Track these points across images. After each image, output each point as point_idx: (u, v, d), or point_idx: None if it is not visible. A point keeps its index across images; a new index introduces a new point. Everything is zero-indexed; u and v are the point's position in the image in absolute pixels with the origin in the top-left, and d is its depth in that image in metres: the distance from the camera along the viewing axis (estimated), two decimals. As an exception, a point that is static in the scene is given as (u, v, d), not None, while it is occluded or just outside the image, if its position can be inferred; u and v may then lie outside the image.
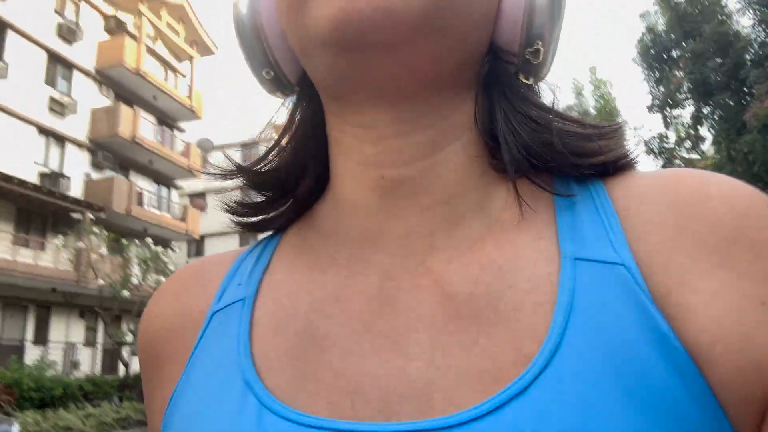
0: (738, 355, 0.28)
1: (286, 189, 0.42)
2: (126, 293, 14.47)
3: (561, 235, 0.33)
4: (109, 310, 14.82)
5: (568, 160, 0.35)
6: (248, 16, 0.37)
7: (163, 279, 14.77)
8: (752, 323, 0.28)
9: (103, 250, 14.92)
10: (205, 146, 23.47)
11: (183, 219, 21.33)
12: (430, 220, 0.35)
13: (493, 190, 0.36)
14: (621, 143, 0.36)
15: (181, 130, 22.94)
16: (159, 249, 15.59)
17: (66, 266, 15.48)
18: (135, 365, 15.64)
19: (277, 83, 0.40)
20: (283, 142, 0.42)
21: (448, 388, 0.30)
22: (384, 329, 0.33)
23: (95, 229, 14.96)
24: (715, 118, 15.33)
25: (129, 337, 15.36)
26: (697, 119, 15.82)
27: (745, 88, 13.79)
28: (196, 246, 24.66)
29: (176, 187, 22.78)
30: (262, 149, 0.44)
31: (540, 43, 0.35)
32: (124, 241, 15.16)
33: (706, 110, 15.50)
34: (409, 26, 0.30)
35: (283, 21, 0.36)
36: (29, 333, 15.61)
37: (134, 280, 14.82)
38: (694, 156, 16.82)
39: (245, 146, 26.78)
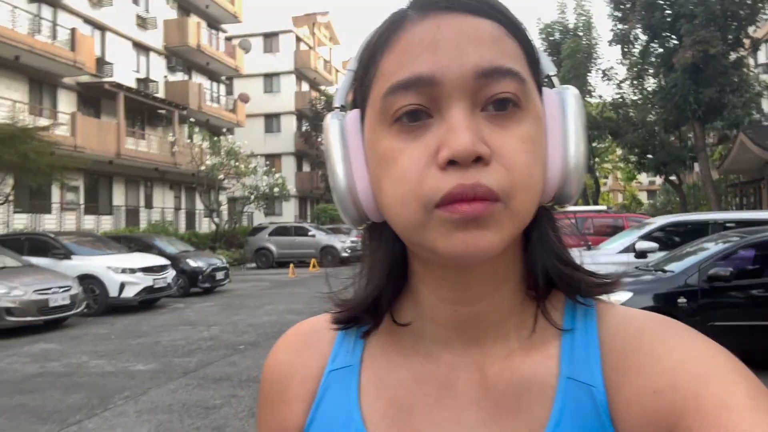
0: None
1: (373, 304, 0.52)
2: (221, 176, 19.90)
3: (563, 356, 0.48)
4: (201, 186, 20.37)
5: (581, 290, 0.49)
6: (345, 187, 0.48)
7: (234, 163, 20.11)
8: (651, 409, 0.42)
9: (205, 144, 20.05)
10: (245, 46, 27.46)
11: (233, 110, 26.32)
12: (484, 335, 0.49)
13: (524, 312, 0.50)
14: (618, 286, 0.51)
15: (224, 32, 26.83)
16: (236, 142, 20.83)
17: (165, 153, 20.74)
18: (221, 225, 21.36)
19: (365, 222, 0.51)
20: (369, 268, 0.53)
21: None
22: (448, 405, 0.49)
23: (195, 130, 19.99)
24: (654, 58, 19.88)
25: (215, 205, 21.05)
26: (645, 53, 20.34)
27: (680, 37, 18.08)
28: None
29: (224, 83, 27.21)
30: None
31: (567, 204, 0.49)
32: (215, 138, 20.26)
33: (651, 48, 19.93)
34: (501, 249, 0.43)
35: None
36: (141, 201, 21.28)
37: (209, 163, 20.09)
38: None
39: (267, 36, 31.24)
